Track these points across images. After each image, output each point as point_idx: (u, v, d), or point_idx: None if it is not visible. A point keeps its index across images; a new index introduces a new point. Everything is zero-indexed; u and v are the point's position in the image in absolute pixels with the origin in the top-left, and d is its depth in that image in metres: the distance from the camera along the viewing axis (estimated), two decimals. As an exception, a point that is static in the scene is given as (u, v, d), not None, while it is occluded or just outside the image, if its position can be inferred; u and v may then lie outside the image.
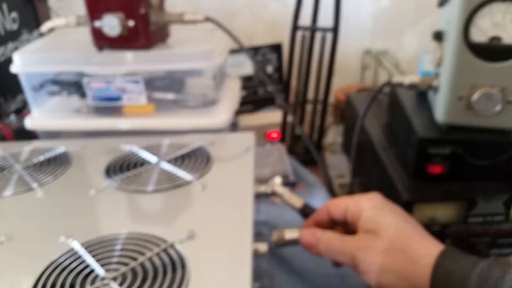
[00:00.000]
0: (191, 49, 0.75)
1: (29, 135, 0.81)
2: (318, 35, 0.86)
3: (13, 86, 0.97)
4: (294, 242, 0.54)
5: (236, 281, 0.42)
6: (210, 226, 0.49)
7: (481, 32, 0.58)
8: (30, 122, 0.79)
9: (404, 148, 0.69)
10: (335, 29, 0.81)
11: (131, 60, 0.73)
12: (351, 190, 0.77)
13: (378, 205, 0.51)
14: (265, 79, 0.84)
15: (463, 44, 0.58)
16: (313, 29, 0.84)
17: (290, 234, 0.54)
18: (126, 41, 0.73)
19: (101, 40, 0.74)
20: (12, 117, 0.87)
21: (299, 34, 0.90)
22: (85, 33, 0.75)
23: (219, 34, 0.80)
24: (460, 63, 0.59)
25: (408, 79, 0.65)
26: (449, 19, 0.60)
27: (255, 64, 1.06)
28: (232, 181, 0.57)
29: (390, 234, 0.47)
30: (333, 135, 1.11)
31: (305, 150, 0.94)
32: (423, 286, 0.44)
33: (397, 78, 0.65)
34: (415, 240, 0.47)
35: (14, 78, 0.94)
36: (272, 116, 1.04)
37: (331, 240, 0.50)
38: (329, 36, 0.82)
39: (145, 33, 0.72)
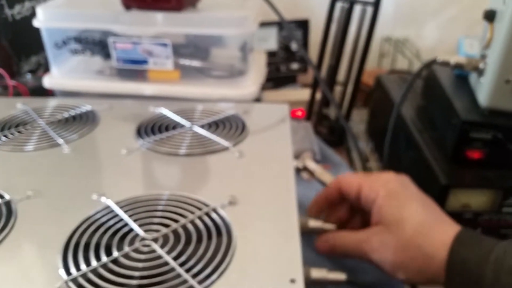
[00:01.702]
0: (225, 14, 0.71)
1: (46, 95, 0.78)
2: (356, 10, 0.82)
3: (27, 47, 0.94)
4: (317, 231, 0.51)
5: (286, 253, 0.39)
6: (252, 194, 0.46)
7: (541, 12, 0.55)
8: (48, 81, 0.75)
9: (442, 132, 0.67)
10: (376, 3, 0.78)
11: (161, 22, 0.70)
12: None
13: (394, 192, 0.47)
14: (303, 54, 0.81)
15: (519, 24, 0.56)
16: (352, 1, 0.80)
17: (314, 223, 0.51)
18: (156, 1, 0.69)
19: (130, -1, 0.70)
20: (28, 76, 0.84)
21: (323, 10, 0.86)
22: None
23: (251, 3, 0.77)
24: (512, 44, 0.57)
25: (453, 59, 0.63)
26: (506, -3, 0.57)
27: (295, 40, 1.02)
28: (271, 150, 0.54)
29: (407, 229, 0.45)
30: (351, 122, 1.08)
31: (329, 130, 0.91)
32: (440, 276, 0.43)
33: (442, 57, 0.62)
34: (430, 232, 0.44)
35: (29, 38, 0.91)
36: (296, 94, 1.01)
37: (344, 243, 0.48)
38: (369, 10, 0.79)
39: (177, -7, 0.69)
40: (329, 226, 0.50)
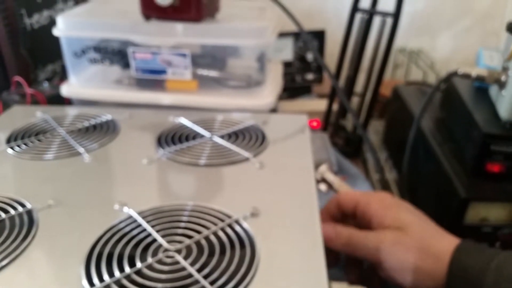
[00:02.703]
0: (244, 24, 0.72)
1: (63, 103, 0.78)
2: (375, 21, 0.82)
3: (44, 56, 0.95)
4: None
5: (311, 266, 0.38)
6: (274, 205, 0.46)
7: None
8: (66, 90, 0.75)
9: (462, 144, 0.66)
10: (396, 15, 0.77)
11: (180, 32, 0.70)
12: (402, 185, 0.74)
13: (392, 203, 0.49)
14: (321, 63, 0.81)
15: (542, 37, 0.55)
16: (372, 12, 0.80)
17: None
18: (176, 11, 0.70)
19: (150, 9, 0.71)
20: (45, 84, 0.84)
21: (341, 21, 0.86)
22: (129, 3, 0.72)
23: (269, 14, 0.77)
24: (535, 57, 0.56)
25: (475, 71, 0.62)
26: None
27: (313, 49, 1.02)
28: (291, 161, 0.54)
29: (416, 231, 0.46)
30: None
31: (345, 141, 0.90)
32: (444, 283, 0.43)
33: (463, 69, 0.62)
34: (436, 237, 0.46)
35: (46, 47, 0.91)
36: (311, 104, 1.01)
37: (353, 234, 0.48)
38: (388, 22, 0.79)
39: (197, 4, 0.69)
40: None
